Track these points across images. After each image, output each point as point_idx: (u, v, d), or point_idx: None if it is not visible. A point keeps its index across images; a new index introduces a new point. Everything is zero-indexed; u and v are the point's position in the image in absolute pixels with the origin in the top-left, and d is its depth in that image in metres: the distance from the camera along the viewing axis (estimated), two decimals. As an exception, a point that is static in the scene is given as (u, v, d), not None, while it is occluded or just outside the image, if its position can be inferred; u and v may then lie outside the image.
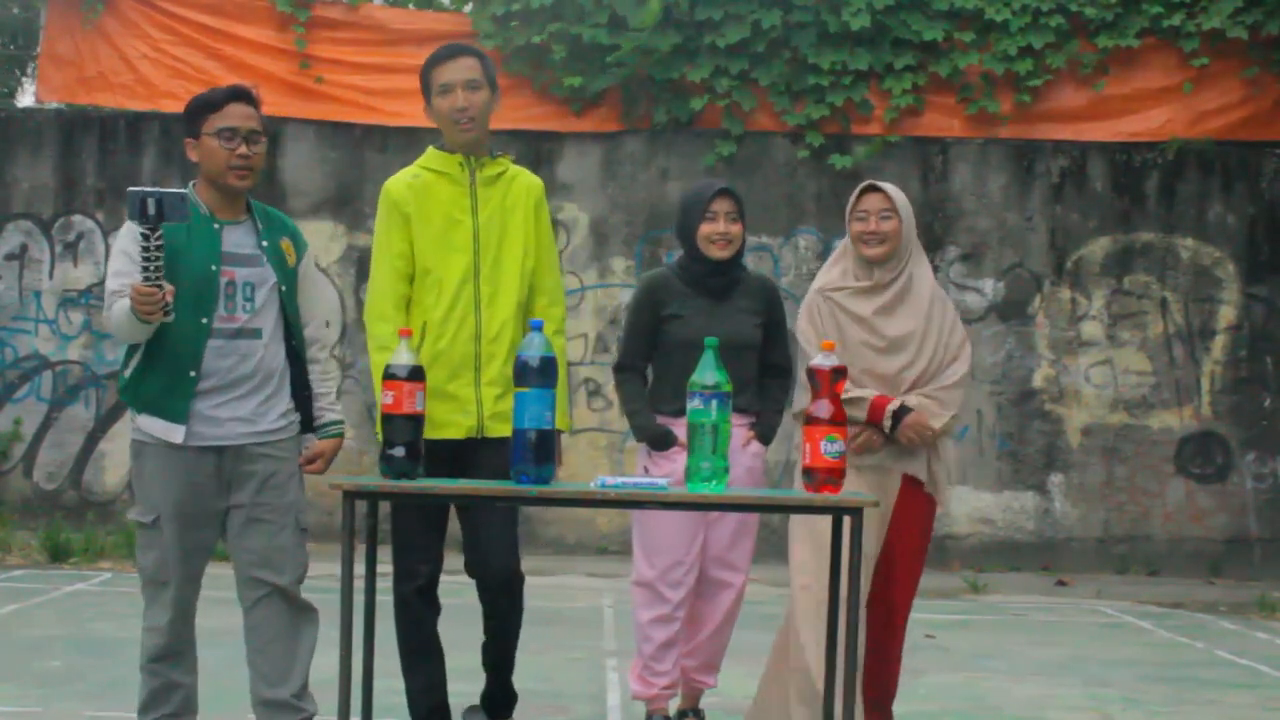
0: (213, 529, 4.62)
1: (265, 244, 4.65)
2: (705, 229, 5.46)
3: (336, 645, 4.13)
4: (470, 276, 4.95)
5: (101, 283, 11.66)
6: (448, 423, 4.91)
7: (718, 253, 5.45)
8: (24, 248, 11.77)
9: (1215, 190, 11.83)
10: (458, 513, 5.05)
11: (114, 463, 11.65)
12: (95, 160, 11.81)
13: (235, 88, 4.69)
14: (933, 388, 5.13)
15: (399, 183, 5.06)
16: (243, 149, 4.57)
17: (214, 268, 4.54)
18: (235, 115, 4.59)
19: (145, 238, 4.21)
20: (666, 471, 5.29)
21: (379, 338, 4.92)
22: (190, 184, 4.69)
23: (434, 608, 5.07)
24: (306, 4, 11.86)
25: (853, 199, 5.22)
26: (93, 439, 11.69)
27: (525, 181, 5.12)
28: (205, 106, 4.62)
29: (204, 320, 4.51)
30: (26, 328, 11.73)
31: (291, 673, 4.63)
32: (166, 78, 11.91)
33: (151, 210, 4.19)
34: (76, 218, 11.78)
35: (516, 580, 5.08)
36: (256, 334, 4.59)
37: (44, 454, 11.70)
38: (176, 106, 11.79)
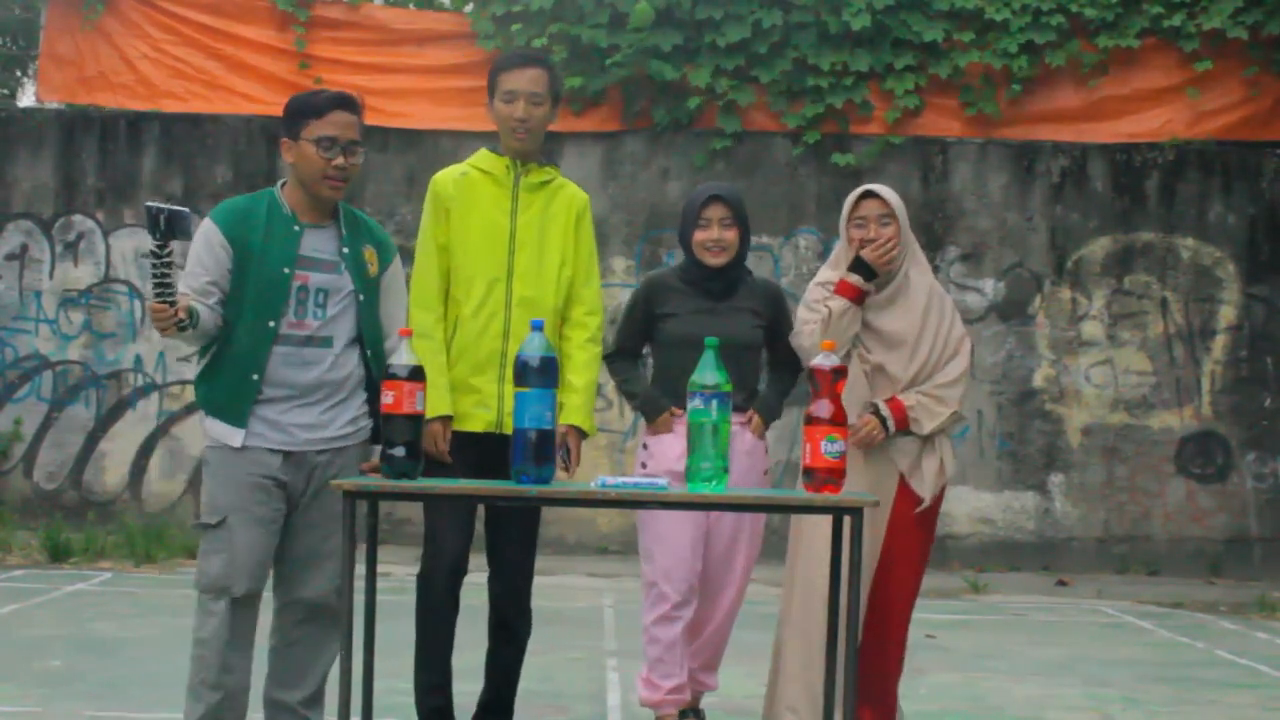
0: (276, 535, 4.53)
1: (346, 250, 4.57)
2: (699, 236, 5.43)
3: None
4: (503, 276, 4.98)
5: (101, 283, 11.70)
6: (469, 415, 4.94)
7: (711, 259, 5.42)
8: (24, 248, 11.77)
9: (1215, 190, 11.83)
10: (484, 516, 5.05)
11: (114, 463, 11.65)
12: (95, 160, 11.81)
13: (340, 94, 4.61)
14: (931, 385, 5.16)
15: (446, 178, 5.09)
16: (340, 160, 4.50)
17: (286, 271, 4.48)
18: (337, 123, 4.51)
19: (155, 254, 4.16)
20: (664, 460, 5.32)
21: (420, 324, 4.90)
22: (279, 183, 4.64)
23: (455, 604, 5.07)
24: (306, 4, 11.86)
25: (850, 205, 5.22)
26: (93, 439, 11.69)
27: (570, 193, 5.17)
28: (307, 110, 4.54)
29: (270, 324, 4.45)
30: (27, 328, 11.73)
31: (305, 680, 4.61)
32: (167, 78, 11.92)
33: (162, 226, 4.14)
34: (77, 218, 11.78)
35: (525, 598, 5.13)
36: (326, 343, 4.52)
37: (44, 454, 11.70)
38: (177, 106, 11.83)
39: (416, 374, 4.14)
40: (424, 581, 5.05)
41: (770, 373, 5.61)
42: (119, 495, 11.61)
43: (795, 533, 5.27)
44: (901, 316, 5.18)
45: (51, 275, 11.76)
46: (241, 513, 4.47)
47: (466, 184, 5.05)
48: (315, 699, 4.64)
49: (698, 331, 5.24)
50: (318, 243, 4.56)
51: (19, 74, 15.78)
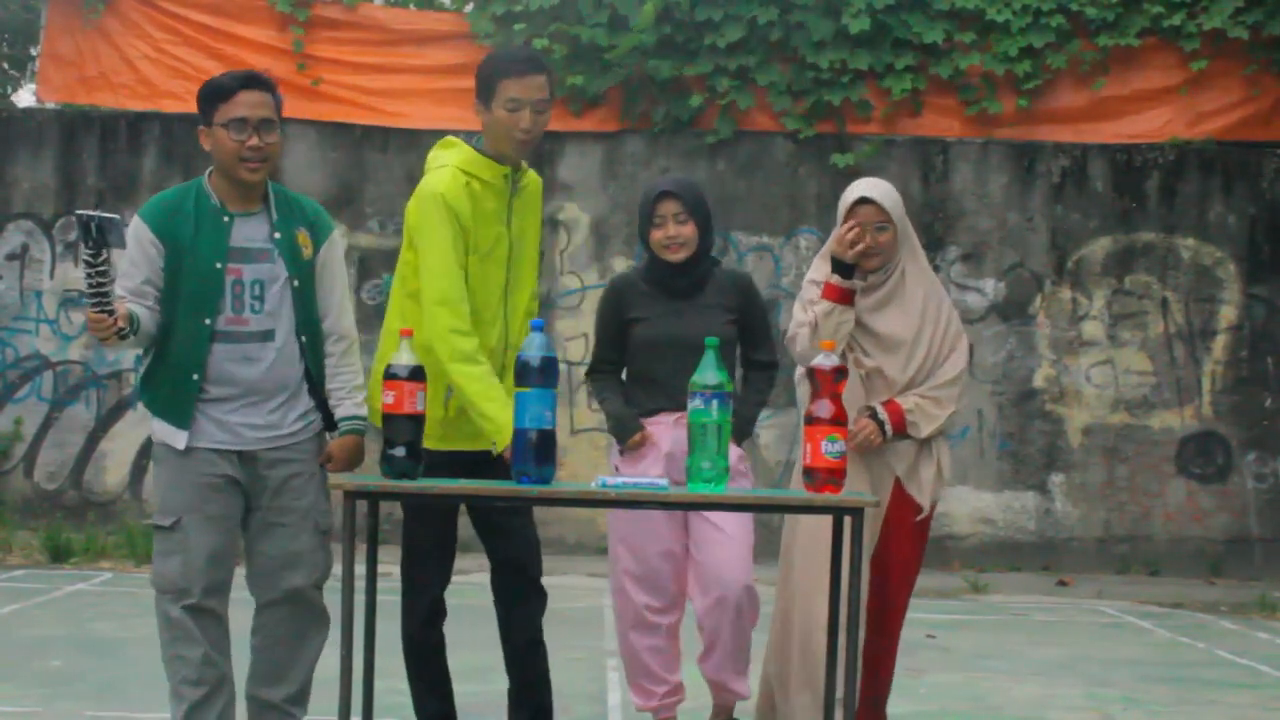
0: (234, 533, 4.48)
1: (278, 236, 4.46)
2: (655, 235, 5.25)
3: (337, 645, 4.13)
4: (503, 289, 4.84)
5: (102, 283, 11.69)
6: (481, 434, 4.70)
7: (671, 256, 5.23)
8: (25, 248, 11.76)
9: (1216, 190, 11.82)
10: (474, 521, 4.95)
11: (115, 463, 11.65)
12: (95, 160, 11.80)
13: (247, 73, 4.50)
14: (929, 386, 5.09)
15: (453, 189, 4.70)
16: (253, 140, 4.39)
17: (218, 265, 4.37)
18: (246, 104, 4.40)
19: (88, 263, 4.07)
20: (638, 463, 5.24)
21: (466, 349, 4.61)
22: (207, 171, 4.54)
23: (440, 615, 4.98)
24: (306, 4, 11.85)
25: (845, 209, 5.09)
26: (93, 439, 11.68)
27: (536, 183, 5.01)
28: (215, 94, 4.43)
29: (206, 321, 4.36)
30: (27, 328, 11.73)
31: (288, 677, 4.55)
32: (167, 78, 11.91)
33: (94, 234, 4.03)
34: (77, 218, 11.78)
35: (538, 571, 5.07)
36: (269, 336, 4.43)
37: (45, 454, 11.69)
38: (177, 106, 11.81)
39: (417, 374, 4.12)
40: (411, 618, 4.90)
41: (744, 375, 5.41)
42: (119, 495, 11.60)
43: (790, 536, 5.19)
44: (898, 318, 5.10)
45: (52, 275, 11.75)
46: (195, 513, 4.40)
47: (473, 197, 4.74)
48: (300, 696, 4.58)
49: (667, 334, 5.17)
50: (248, 231, 4.44)
51: (19, 74, 15.78)
